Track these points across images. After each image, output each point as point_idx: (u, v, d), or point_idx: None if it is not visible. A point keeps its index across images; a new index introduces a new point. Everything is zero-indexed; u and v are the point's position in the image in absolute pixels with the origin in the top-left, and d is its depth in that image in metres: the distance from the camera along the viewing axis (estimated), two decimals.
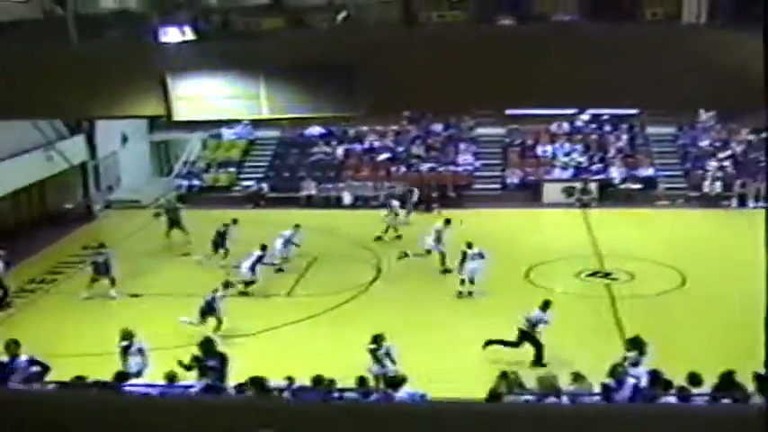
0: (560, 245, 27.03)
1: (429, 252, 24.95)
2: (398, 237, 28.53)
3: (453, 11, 24.35)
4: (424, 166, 36.31)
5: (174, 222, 28.38)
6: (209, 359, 15.03)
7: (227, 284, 20.97)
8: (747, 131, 36.53)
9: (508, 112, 35.88)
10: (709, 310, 21.30)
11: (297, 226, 25.98)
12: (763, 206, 32.60)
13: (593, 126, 37.94)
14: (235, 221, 26.41)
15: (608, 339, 18.73)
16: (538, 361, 17.81)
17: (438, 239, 24.80)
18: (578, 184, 34.15)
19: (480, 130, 38.55)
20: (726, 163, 35.02)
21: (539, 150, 36.96)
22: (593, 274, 24.49)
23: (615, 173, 34.98)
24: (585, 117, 37.77)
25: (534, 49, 14.28)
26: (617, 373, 13.36)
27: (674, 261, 24.94)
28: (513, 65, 14.34)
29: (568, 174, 35.16)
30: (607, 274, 24.44)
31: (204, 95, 13.03)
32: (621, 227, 29.56)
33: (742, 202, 33.14)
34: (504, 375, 14.22)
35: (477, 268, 22.56)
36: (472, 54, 14.62)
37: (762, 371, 11.88)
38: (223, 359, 15.10)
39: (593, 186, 34.18)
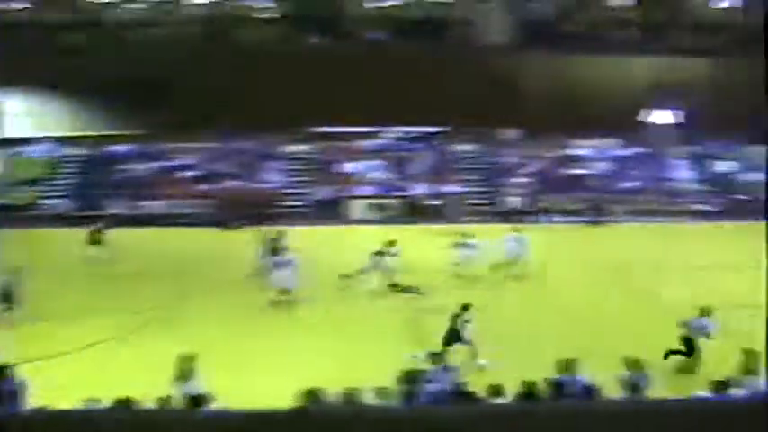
0: (365, 260, 28.03)
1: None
2: None
3: (266, 26, 25.30)
4: (231, 183, 37.06)
5: None
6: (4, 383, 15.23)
7: None
8: (549, 148, 39.00)
9: (316, 129, 37.14)
10: (524, 317, 23.02)
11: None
12: (567, 220, 35.00)
13: (400, 143, 39.55)
14: None
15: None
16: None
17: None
18: (384, 201, 35.63)
19: (289, 148, 39.62)
20: (528, 179, 37.28)
21: (346, 167, 38.29)
22: (395, 288, 25.74)
23: (419, 189, 36.62)
24: (392, 134, 39.38)
25: (345, 68, 15.34)
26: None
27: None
28: (325, 82, 15.37)
29: (375, 190, 36.61)
30: (409, 289, 25.75)
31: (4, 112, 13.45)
32: (426, 243, 30.95)
33: (546, 217, 35.42)
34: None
35: (289, 276, 23.77)
36: (284, 72, 15.56)
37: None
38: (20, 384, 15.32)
39: (397, 203, 35.73)
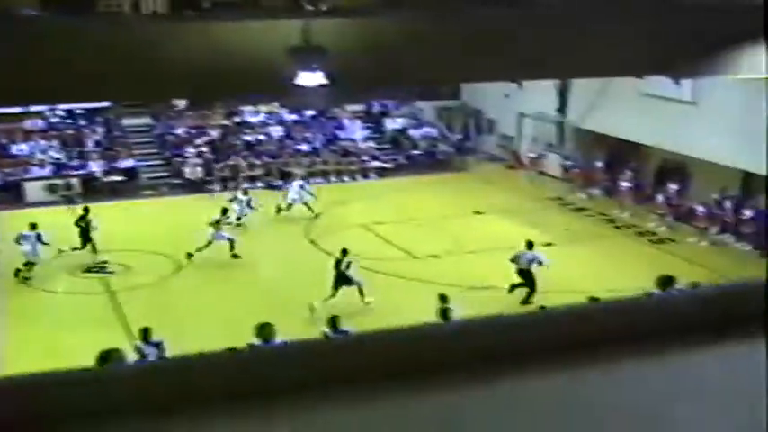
0: (52, 244, 27.81)
1: None
2: None
3: None
4: None
5: None
6: None
7: None
8: (222, 116, 39.83)
9: None
10: (207, 288, 23.86)
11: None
12: (246, 187, 36.07)
13: (69, 121, 38.96)
14: None
15: (113, 333, 20.20)
16: None
17: None
18: (60, 181, 35.15)
19: None
20: (204, 149, 37.98)
21: (14, 149, 37.27)
22: (89, 270, 25.81)
23: (95, 167, 36.41)
24: (60, 112, 38.69)
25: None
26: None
27: (166, 248, 27.10)
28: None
29: (48, 171, 35.98)
30: (102, 269, 25.90)
31: None
32: (110, 220, 30.95)
33: (224, 186, 36.29)
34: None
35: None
36: None
37: None
38: None
39: (75, 182, 35.36)
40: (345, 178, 37.97)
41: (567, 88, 37.34)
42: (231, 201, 30.15)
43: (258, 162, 37.80)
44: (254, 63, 15.32)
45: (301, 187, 32.13)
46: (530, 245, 23.32)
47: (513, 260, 23.08)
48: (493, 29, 17.22)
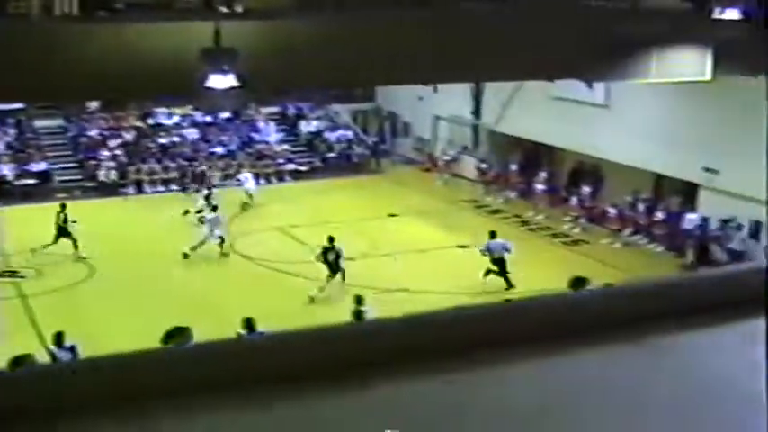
0: None
1: None
2: None
3: None
4: None
5: None
6: None
7: None
8: (135, 119, 39.37)
9: None
10: (120, 292, 23.56)
11: None
12: (160, 191, 35.68)
13: None
14: None
15: (25, 338, 19.88)
16: None
17: None
18: None
19: None
20: (118, 151, 37.49)
21: None
22: (0, 275, 25.35)
23: (7, 169, 35.72)
24: None
25: None
26: None
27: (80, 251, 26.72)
28: None
29: None
30: (13, 273, 25.45)
31: None
32: (21, 224, 30.44)
33: (139, 188, 35.88)
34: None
35: None
36: None
37: None
38: None
39: None
40: (261, 181, 37.79)
41: (481, 91, 37.67)
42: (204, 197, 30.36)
43: (173, 165, 37.43)
44: (166, 65, 15.20)
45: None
46: (492, 234, 25.12)
47: (484, 252, 24.68)
48: (405, 31, 17.31)
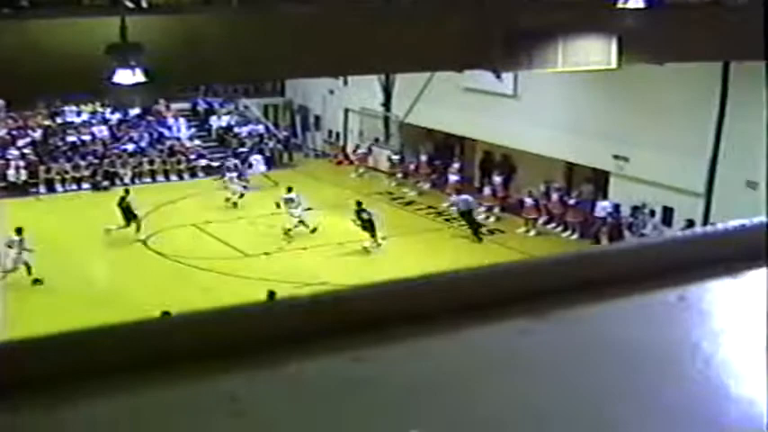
0: None
1: None
2: None
3: None
4: None
5: None
6: None
7: None
8: (44, 117, 38.61)
9: None
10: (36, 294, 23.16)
11: None
12: (72, 189, 35.11)
13: None
14: None
15: None
16: None
17: None
18: None
19: None
20: (27, 150, 36.74)
21: None
22: None
23: None
24: None
25: None
26: None
27: None
28: None
29: None
30: None
31: None
32: None
33: (50, 188, 35.26)
34: None
35: None
36: None
37: None
38: None
39: None
40: (173, 177, 37.37)
41: (391, 83, 37.72)
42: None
43: (83, 163, 36.82)
44: (73, 61, 14.93)
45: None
46: (458, 191, 30.36)
47: (452, 205, 29.81)
48: (313, 24, 17.26)
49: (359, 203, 27.80)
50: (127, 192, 29.66)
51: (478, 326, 1.49)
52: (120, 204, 28.64)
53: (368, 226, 27.25)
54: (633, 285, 1.63)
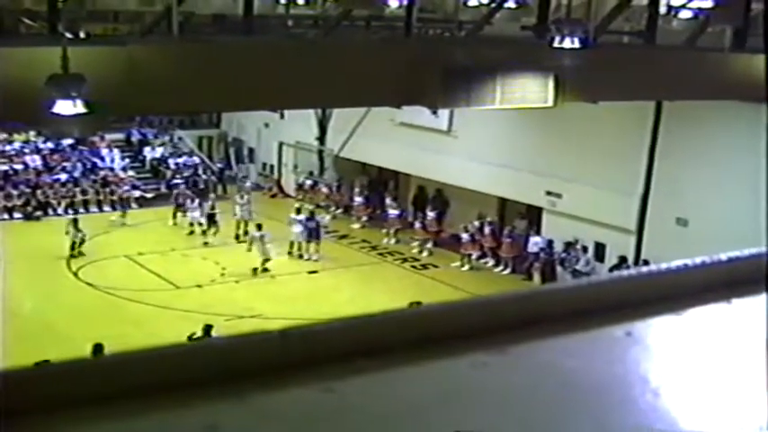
0: None
1: None
2: None
3: None
4: None
5: None
6: None
7: None
8: None
9: None
10: None
11: None
12: (4, 219, 34.60)
13: None
14: None
15: None
16: None
17: None
18: None
19: None
20: None
21: None
22: None
23: None
24: None
25: None
26: None
27: None
28: None
29: None
30: None
31: None
32: None
33: None
34: None
35: None
36: None
37: None
38: None
39: None
40: (106, 208, 36.97)
41: (327, 117, 37.80)
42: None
43: (15, 192, 36.28)
44: (12, 91, 14.79)
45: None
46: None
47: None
48: (251, 57, 17.31)
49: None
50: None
51: (440, 359, 1.57)
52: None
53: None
54: (584, 321, 1.73)
